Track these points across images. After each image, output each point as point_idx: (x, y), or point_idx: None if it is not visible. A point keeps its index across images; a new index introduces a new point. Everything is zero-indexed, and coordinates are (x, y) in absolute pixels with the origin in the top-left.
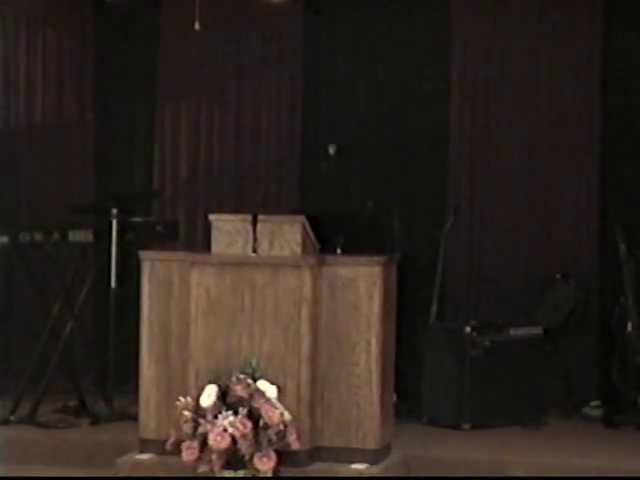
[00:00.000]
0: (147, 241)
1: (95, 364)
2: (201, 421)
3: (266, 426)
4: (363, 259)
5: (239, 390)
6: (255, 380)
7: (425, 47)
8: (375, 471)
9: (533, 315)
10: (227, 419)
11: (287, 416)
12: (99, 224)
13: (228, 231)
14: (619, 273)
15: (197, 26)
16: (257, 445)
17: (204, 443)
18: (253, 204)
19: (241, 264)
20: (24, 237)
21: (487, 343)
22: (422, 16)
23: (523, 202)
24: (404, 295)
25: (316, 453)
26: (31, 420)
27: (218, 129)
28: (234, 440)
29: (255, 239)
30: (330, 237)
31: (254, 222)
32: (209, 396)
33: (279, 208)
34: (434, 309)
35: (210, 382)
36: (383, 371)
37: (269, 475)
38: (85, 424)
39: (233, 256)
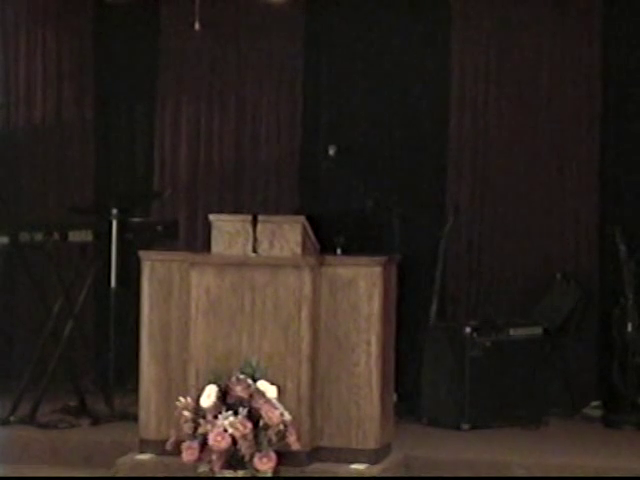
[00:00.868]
0: (147, 241)
1: (95, 364)
2: (201, 421)
3: (266, 426)
4: (363, 259)
5: (239, 390)
6: (255, 380)
7: (425, 47)
8: (375, 471)
9: (533, 315)
10: (227, 419)
11: (287, 416)
12: (99, 224)
13: (228, 231)
14: (619, 273)
15: (197, 26)
16: (257, 445)
17: (204, 443)
18: (253, 204)
19: (241, 264)
20: (24, 237)
21: (487, 343)
22: (422, 16)
23: (523, 202)
24: (404, 295)
25: (316, 453)
26: (31, 420)
27: (218, 129)
28: (234, 440)
29: (255, 239)
30: (330, 237)
31: (254, 222)
32: (209, 396)
33: (279, 208)
34: (434, 309)
35: (210, 382)
36: (383, 371)
37: (269, 475)
38: (85, 424)
39: (233, 256)
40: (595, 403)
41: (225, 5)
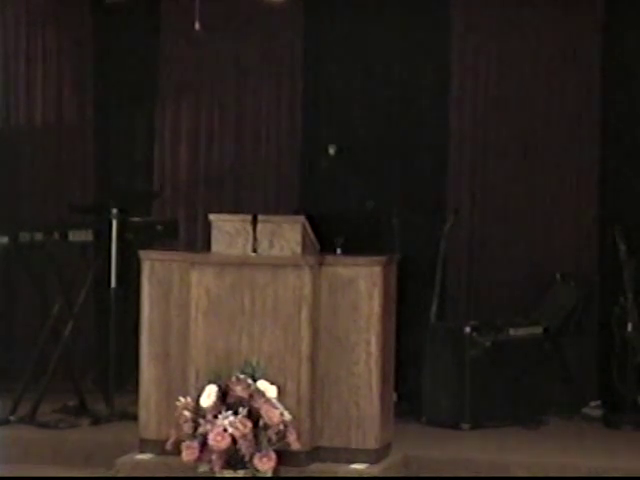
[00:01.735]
0: (147, 241)
1: (95, 364)
2: (201, 421)
3: (266, 426)
4: (363, 259)
5: (239, 390)
6: (255, 380)
7: (425, 47)
8: (375, 471)
9: (533, 315)
10: (227, 419)
11: (287, 416)
12: (99, 224)
13: (228, 231)
14: (619, 273)
15: (197, 26)
16: (257, 445)
17: (204, 443)
18: (253, 204)
19: (241, 264)
20: (24, 237)
21: (487, 343)
22: (422, 16)
23: (523, 202)
24: (404, 295)
25: (316, 453)
26: (31, 420)
27: (218, 129)
28: (234, 440)
29: (255, 239)
30: (330, 237)
31: (254, 222)
32: (209, 396)
33: (279, 208)
34: (434, 309)
35: (210, 382)
36: (383, 371)
37: (269, 475)
38: (85, 424)
39: (233, 256)
40: (595, 403)
41: (225, 5)
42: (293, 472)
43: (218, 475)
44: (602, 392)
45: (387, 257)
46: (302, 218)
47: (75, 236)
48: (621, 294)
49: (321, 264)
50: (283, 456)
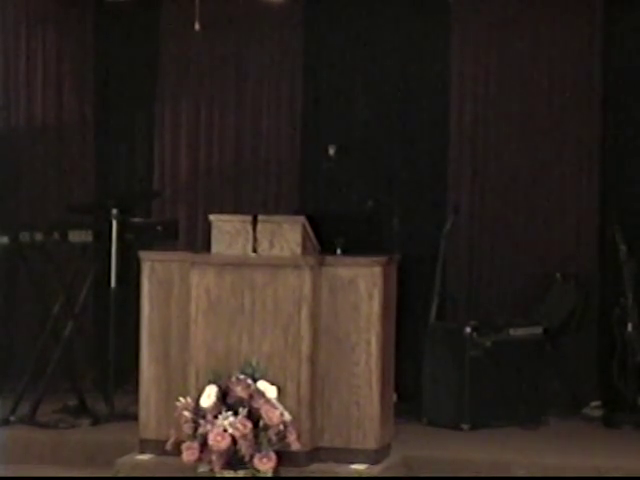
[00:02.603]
0: (147, 241)
1: (95, 364)
2: (201, 421)
3: (266, 426)
4: (363, 259)
5: (239, 390)
6: (255, 380)
7: (425, 47)
8: (375, 471)
9: (533, 315)
10: (227, 419)
11: (287, 416)
12: (99, 224)
13: (228, 231)
14: (619, 273)
15: (197, 26)
16: (257, 445)
17: (204, 443)
18: (253, 204)
19: (241, 264)
20: (24, 237)
21: (487, 343)
22: (422, 16)
23: (523, 202)
24: (404, 295)
25: (316, 453)
26: (31, 420)
27: (218, 129)
28: (234, 440)
29: (255, 239)
30: (330, 237)
31: (254, 222)
32: (209, 396)
33: (279, 208)
34: (434, 309)
35: (210, 382)
36: (383, 371)
37: (269, 475)
38: (85, 424)
39: (233, 256)
40: (595, 403)
41: (225, 5)
42: (293, 472)
43: (218, 475)
44: (602, 392)
45: (387, 257)
46: (302, 218)
47: (75, 236)
48: (621, 294)
49: (321, 264)
50: (283, 456)
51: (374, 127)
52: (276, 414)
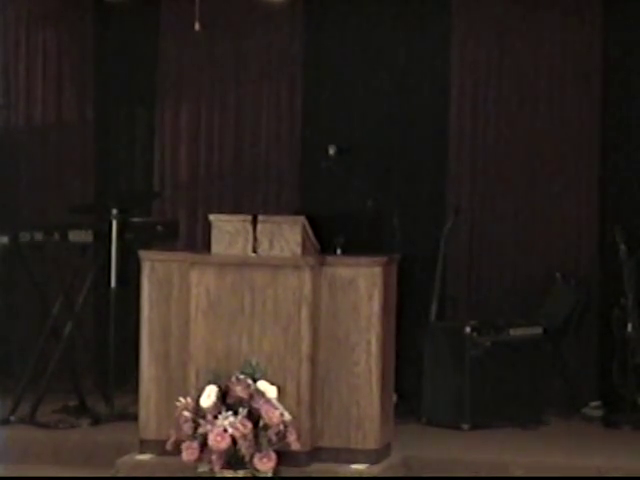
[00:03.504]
0: (147, 241)
1: (95, 364)
2: (201, 421)
3: (266, 426)
4: (363, 259)
5: (239, 390)
6: (255, 380)
7: (425, 47)
8: (375, 471)
9: (533, 315)
10: (227, 419)
11: (287, 416)
12: (99, 224)
13: (228, 231)
14: (619, 273)
15: (197, 26)
16: (257, 445)
17: (204, 443)
18: (253, 204)
19: (241, 264)
20: (24, 237)
21: (487, 343)
22: (422, 16)
23: (523, 202)
24: (404, 295)
25: (316, 453)
26: (31, 420)
27: (218, 129)
28: (234, 440)
29: (255, 239)
30: (330, 237)
31: (254, 222)
32: (209, 396)
33: (279, 208)
34: (434, 309)
35: (210, 382)
36: (383, 371)
37: (269, 475)
38: (85, 424)
39: (233, 256)
40: (595, 403)
41: (225, 5)
42: (293, 472)
43: (218, 475)
44: (602, 392)
45: (387, 257)
46: (302, 218)
47: (75, 236)
48: (621, 294)
49: (321, 264)
50: (283, 456)
51: (374, 127)
52: (276, 414)
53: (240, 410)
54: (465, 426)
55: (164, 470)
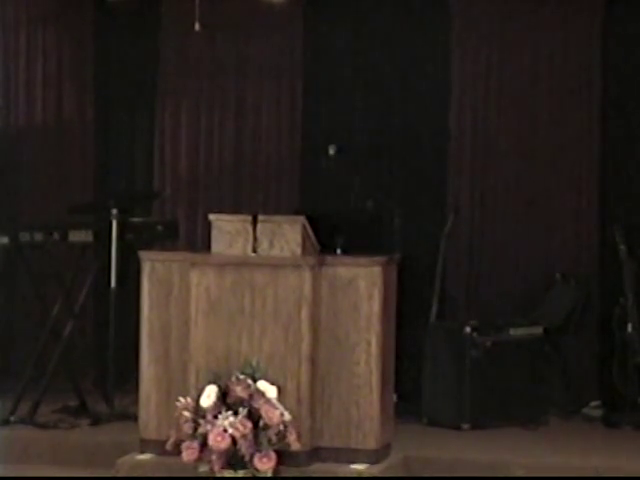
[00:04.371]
0: (147, 241)
1: (95, 364)
2: (201, 421)
3: (266, 426)
4: (363, 259)
5: (239, 390)
6: (255, 380)
7: (425, 47)
8: (375, 471)
9: (533, 315)
10: (227, 419)
11: (287, 416)
12: (99, 224)
13: (228, 231)
14: (619, 273)
15: (197, 26)
16: (257, 445)
17: (204, 443)
18: (253, 204)
19: (241, 264)
20: (24, 237)
21: (487, 343)
22: (422, 16)
23: (523, 202)
24: (404, 295)
25: (316, 453)
26: (31, 420)
27: (218, 129)
28: (234, 440)
29: (255, 239)
30: (330, 237)
31: (254, 222)
32: (209, 396)
33: (279, 208)
34: (434, 309)
35: (210, 382)
36: (383, 371)
37: (269, 475)
38: (85, 424)
39: (233, 256)
40: (595, 403)
41: (225, 5)
42: (293, 472)
43: (218, 475)
44: (602, 392)
45: (387, 257)
46: (302, 218)
47: (75, 236)
48: (621, 294)
49: (321, 264)
50: (283, 456)
51: (374, 127)
52: (276, 414)
53: (240, 410)
54: (465, 426)
55: (164, 470)
